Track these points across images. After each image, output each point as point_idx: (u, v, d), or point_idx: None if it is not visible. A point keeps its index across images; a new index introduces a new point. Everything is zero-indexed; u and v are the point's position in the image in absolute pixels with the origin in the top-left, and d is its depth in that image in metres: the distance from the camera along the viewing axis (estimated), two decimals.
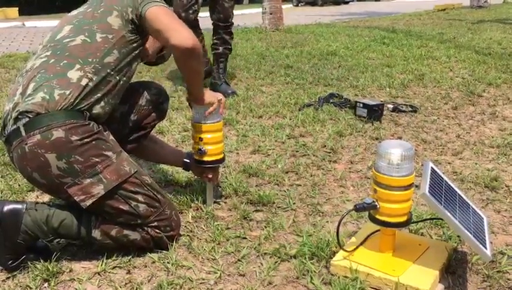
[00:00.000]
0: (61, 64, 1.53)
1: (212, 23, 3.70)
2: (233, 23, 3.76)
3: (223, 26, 3.67)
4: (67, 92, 1.48)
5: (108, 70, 1.57)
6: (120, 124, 1.78)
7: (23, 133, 1.46)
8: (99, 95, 1.55)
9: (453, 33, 6.67)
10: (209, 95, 1.81)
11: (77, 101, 1.50)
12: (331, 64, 4.63)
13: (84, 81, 1.52)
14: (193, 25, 3.71)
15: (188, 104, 1.90)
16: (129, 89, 1.75)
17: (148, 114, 1.85)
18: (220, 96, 1.85)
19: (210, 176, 1.92)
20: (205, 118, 1.83)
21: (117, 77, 1.60)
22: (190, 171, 2.09)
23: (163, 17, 1.60)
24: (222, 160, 1.92)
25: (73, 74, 1.51)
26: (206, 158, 1.87)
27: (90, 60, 1.54)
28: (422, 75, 4.13)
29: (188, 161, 2.02)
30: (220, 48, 3.72)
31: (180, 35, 1.58)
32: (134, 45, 1.65)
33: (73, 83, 1.50)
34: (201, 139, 1.84)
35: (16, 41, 6.88)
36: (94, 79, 1.54)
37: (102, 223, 1.57)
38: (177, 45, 1.58)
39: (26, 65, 1.61)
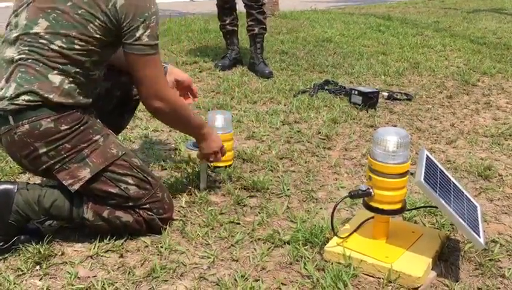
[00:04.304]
0: (40, 65, 1.45)
1: (244, 6, 3.74)
2: (264, 3, 3.80)
3: (256, 6, 3.71)
4: (51, 96, 1.45)
5: (91, 72, 1.53)
6: (105, 100, 1.79)
7: (12, 122, 1.45)
8: (83, 94, 1.52)
9: (448, 22, 6.65)
10: (208, 146, 1.82)
11: (61, 101, 1.47)
12: (326, 51, 4.60)
13: (66, 84, 1.47)
14: (231, 5, 3.78)
15: None
16: (111, 67, 1.76)
17: (130, 89, 1.86)
18: (218, 147, 1.85)
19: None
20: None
21: (96, 72, 1.56)
22: (182, 156, 2.07)
23: (139, 72, 1.55)
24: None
25: (55, 78, 1.46)
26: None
27: (69, 66, 1.47)
28: (418, 64, 4.12)
29: None
30: (256, 28, 3.76)
31: (145, 99, 1.59)
32: (116, 44, 1.56)
33: (55, 86, 1.46)
34: None
35: None
36: (76, 82, 1.49)
37: (95, 204, 1.57)
38: (143, 103, 1.63)
39: (5, 51, 1.50)
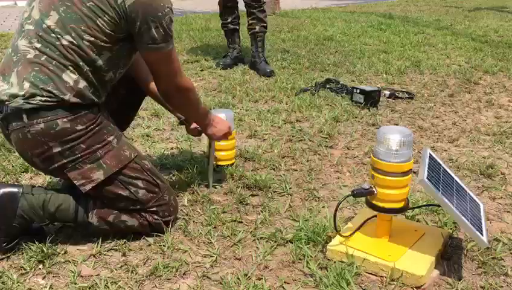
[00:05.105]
0: (53, 63, 1.43)
1: (245, 5, 3.75)
2: (265, 2, 3.82)
3: (256, 5, 3.73)
4: (66, 97, 1.43)
5: (104, 73, 1.51)
6: (111, 98, 1.76)
7: (25, 120, 1.43)
8: (96, 94, 1.51)
9: (449, 20, 6.65)
10: (218, 131, 1.87)
11: (76, 101, 1.45)
12: (327, 50, 4.60)
13: (80, 84, 1.45)
14: (233, 4, 3.80)
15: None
16: None
17: (135, 88, 1.85)
18: (226, 128, 1.89)
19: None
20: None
21: (110, 73, 1.53)
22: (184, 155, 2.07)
23: (155, 66, 1.57)
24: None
25: (69, 77, 1.44)
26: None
27: (81, 64, 1.45)
28: (419, 62, 4.12)
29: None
30: (257, 26, 3.77)
31: (164, 91, 1.64)
32: (130, 42, 1.53)
33: (70, 86, 1.44)
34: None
35: (8, 21, 6.76)
36: (89, 81, 1.48)
37: (100, 209, 1.56)
38: (161, 94, 1.67)
39: (18, 39, 1.48)
